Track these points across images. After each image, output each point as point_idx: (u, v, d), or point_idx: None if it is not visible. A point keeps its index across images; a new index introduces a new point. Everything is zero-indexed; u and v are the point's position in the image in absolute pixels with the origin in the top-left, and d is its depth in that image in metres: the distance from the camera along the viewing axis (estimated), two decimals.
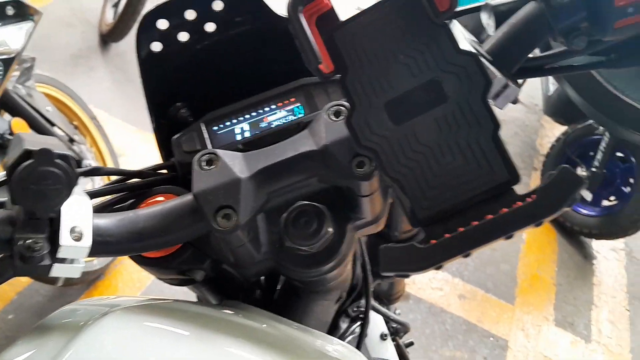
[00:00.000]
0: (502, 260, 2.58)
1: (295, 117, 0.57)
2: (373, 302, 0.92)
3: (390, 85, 0.38)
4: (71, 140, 1.91)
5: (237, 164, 0.46)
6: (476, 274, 2.47)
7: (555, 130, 3.34)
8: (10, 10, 1.46)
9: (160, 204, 0.47)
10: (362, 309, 0.71)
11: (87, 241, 0.41)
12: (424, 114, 0.38)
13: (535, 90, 3.58)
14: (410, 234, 0.80)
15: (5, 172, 0.39)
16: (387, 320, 1.00)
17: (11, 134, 1.62)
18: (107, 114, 2.72)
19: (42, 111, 1.77)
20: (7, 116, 1.70)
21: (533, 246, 2.70)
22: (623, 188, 2.58)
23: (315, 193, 0.51)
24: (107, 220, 0.45)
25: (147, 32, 0.55)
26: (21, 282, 1.99)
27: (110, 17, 3.29)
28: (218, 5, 0.56)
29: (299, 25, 0.38)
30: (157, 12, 0.54)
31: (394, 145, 0.38)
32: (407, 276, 0.36)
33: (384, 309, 0.97)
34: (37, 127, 1.72)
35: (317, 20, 0.40)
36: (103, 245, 0.44)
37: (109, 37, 3.27)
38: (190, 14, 0.55)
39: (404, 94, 0.38)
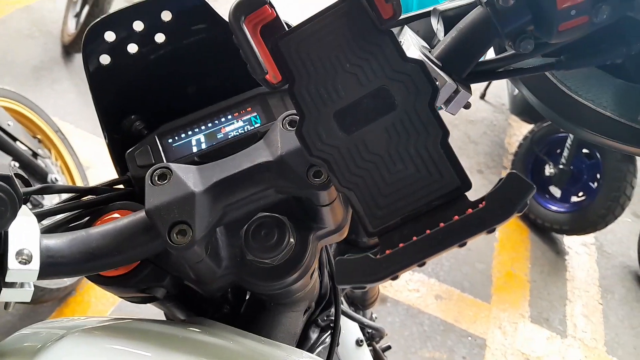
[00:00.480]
0: (477, 259, 2.60)
1: (252, 127, 0.56)
2: (346, 309, 0.92)
3: (338, 94, 0.38)
4: (35, 155, 1.87)
5: (192, 178, 0.45)
6: (452, 274, 2.49)
7: (522, 129, 3.40)
8: None
9: (112, 222, 0.46)
10: (332, 318, 0.70)
11: (36, 264, 0.40)
12: (373, 122, 0.37)
13: (501, 90, 3.64)
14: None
15: None
16: (362, 326, 1.00)
17: None
18: (73, 126, 2.66)
19: (3, 126, 1.73)
20: None
21: (507, 244, 2.73)
22: (590, 184, 2.64)
23: (274, 204, 0.50)
24: (58, 241, 0.43)
25: (94, 44, 0.53)
26: None
27: (72, 27, 3.23)
28: (167, 16, 0.54)
29: (243, 35, 0.37)
30: (103, 24, 0.53)
31: (345, 155, 0.37)
32: (364, 288, 0.35)
33: (357, 315, 0.96)
34: (0, 144, 1.68)
35: (261, 29, 0.39)
36: (54, 266, 0.42)
37: (71, 47, 3.22)
38: (138, 25, 0.54)
39: (353, 102, 0.37)
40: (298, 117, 0.46)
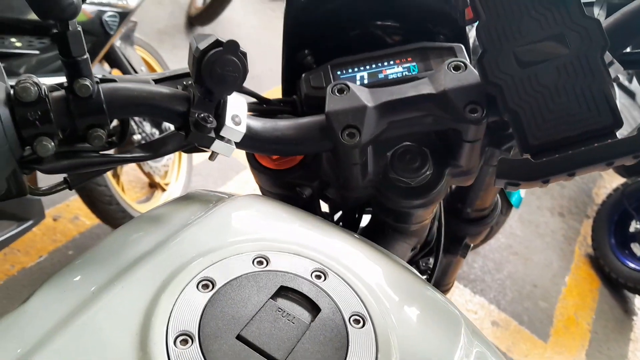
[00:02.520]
0: (542, 297, 2.57)
1: (409, 74, 0.65)
2: None
3: (520, 34, 0.46)
4: None
5: (365, 95, 0.55)
6: (513, 305, 2.47)
7: (613, 183, 3.31)
8: None
9: (295, 119, 0.56)
10: (430, 266, 0.78)
11: (243, 128, 0.50)
12: (547, 61, 0.45)
13: None
14: (482, 213, 0.87)
15: (192, 58, 0.48)
16: None
17: None
18: None
19: (137, 69, 1.92)
20: (107, 67, 1.86)
21: (574, 291, 2.67)
22: None
23: (421, 137, 0.59)
24: (255, 122, 0.54)
25: None
26: (85, 224, 2.14)
27: (200, 1, 3.49)
28: None
29: None
30: None
31: (517, 84, 0.45)
32: (518, 185, 0.43)
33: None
34: None
35: None
36: (250, 139, 0.52)
37: (196, 20, 3.47)
38: None
39: (532, 42, 0.45)
40: (464, 64, 0.54)
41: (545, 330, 2.42)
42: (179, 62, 3.19)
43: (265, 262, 0.44)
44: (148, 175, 2.18)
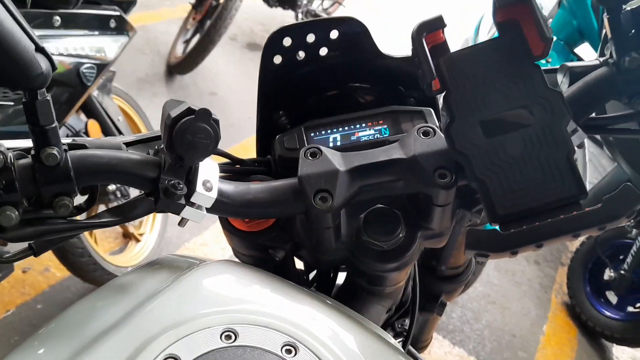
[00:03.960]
0: (521, 347, 2.55)
1: (381, 136, 0.66)
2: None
3: (486, 106, 0.47)
4: None
5: (337, 160, 0.55)
6: (492, 356, 2.44)
7: None
8: (112, 23, 1.64)
9: (267, 182, 0.56)
10: (406, 327, 0.77)
11: (214, 194, 0.50)
12: (512, 132, 0.46)
13: None
14: (456, 271, 0.87)
15: (163, 124, 0.48)
16: None
17: (86, 133, 1.76)
18: None
19: (114, 119, 1.92)
20: (83, 117, 1.85)
21: (552, 340, 2.66)
22: None
23: (393, 199, 0.59)
24: (227, 186, 0.53)
25: (273, 45, 0.65)
26: (55, 277, 2.08)
27: (180, 51, 3.54)
28: (334, 34, 0.66)
29: (421, 46, 0.48)
30: (285, 31, 0.65)
31: (483, 153, 0.46)
32: (487, 256, 0.43)
33: (412, 349, 1.01)
34: (108, 132, 1.86)
35: (431, 48, 0.50)
36: (221, 204, 0.52)
37: (175, 69, 3.51)
38: (310, 37, 0.66)
39: (498, 114, 0.47)
40: (433, 129, 0.55)
41: None
42: (157, 109, 3.20)
43: (234, 337, 0.43)
44: (122, 225, 2.14)
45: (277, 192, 0.55)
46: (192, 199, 0.49)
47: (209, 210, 0.52)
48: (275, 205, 0.55)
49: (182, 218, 0.51)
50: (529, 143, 0.45)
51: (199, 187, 0.49)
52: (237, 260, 0.67)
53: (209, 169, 0.51)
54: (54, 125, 0.44)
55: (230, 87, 3.69)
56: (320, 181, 0.53)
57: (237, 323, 0.44)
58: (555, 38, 2.71)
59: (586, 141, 3.10)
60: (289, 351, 0.43)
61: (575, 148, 0.57)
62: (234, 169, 0.65)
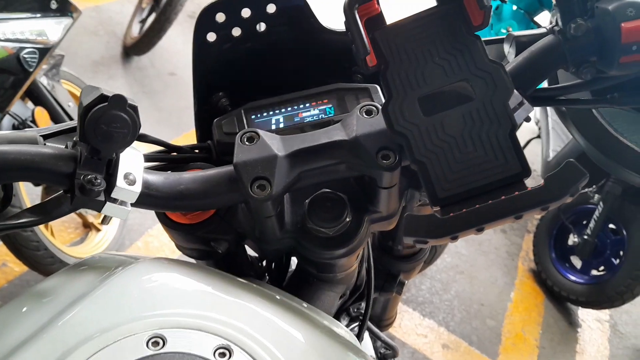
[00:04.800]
0: (489, 315, 2.60)
1: (326, 116, 0.63)
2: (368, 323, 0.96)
3: (425, 81, 0.44)
4: None
5: (275, 144, 0.51)
6: (462, 326, 2.48)
7: None
8: (54, 4, 1.54)
9: (201, 171, 0.52)
10: (362, 311, 0.75)
11: (138, 187, 0.46)
12: (452, 109, 0.43)
13: (535, 156, 3.68)
14: (413, 249, 0.85)
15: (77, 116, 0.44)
16: (376, 340, 1.03)
17: (33, 121, 1.68)
18: None
19: (64, 105, 1.84)
20: (30, 105, 1.76)
21: (520, 306, 2.72)
22: (613, 259, 2.63)
23: (338, 183, 0.56)
24: (154, 177, 0.49)
25: (205, 22, 0.61)
26: (14, 272, 2.00)
27: (136, 31, 3.41)
28: (271, 9, 0.62)
29: (354, 20, 0.44)
30: (217, 6, 0.60)
31: (423, 133, 0.43)
32: (426, 242, 0.41)
33: (375, 329, 0.99)
34: (57, 119, 1.78)
35: (366, 21, 0.46)
36: (149, 197, 0.48)
37: (132, 50, 3.39)
38: (245, 12, 0.62)
39: (436, 90, 0.44)
40: (376, 107, 0.52)
41: (494, 348, 2.45)
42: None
43: (162, 343, 0.39)
44: (80, 215, 2.08)
45: (212, 181, 0.51)
46: (113, 194, 0.45)
47: (134, 204, 0.48)
48: (210, 195, 0.51)
49: (105, 215, 0.47)
50: (469, 120, 0.42)
51: (120, 181, 0.45)
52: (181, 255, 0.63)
53: (131, 160, 0.47)
54: None
55: (190, 67, 3.56)
56: (258, 168, 0.50)
57: (165, 327, 0.41)
58: (515, 7, 2.70)
59: (549, 109, 3.12)
60: (222, 354, 0.40)
61: (528, 123, 0.55)
62: (169, 157, 0.61)
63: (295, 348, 0.44)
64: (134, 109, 0.44)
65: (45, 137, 0.51)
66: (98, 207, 0.45)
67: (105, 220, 0.49)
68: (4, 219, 0.47)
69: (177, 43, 3.73)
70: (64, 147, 0.48)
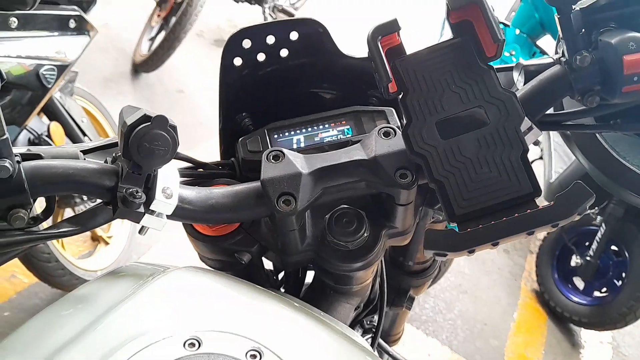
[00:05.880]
0: (492, 335, 2.60)
1: (344, 136, 0.66)
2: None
3: (442, 107, 0.48)
4: None
5: (299, 162, 0.55)
6: (465, 345, 2.49)
7: None
8: (72, 23, 1.60)
9: (231, 186, 0.56)
10: (374, 323, 0.78)
11: (175, 201, 0.50)
12: (467, 133, 0.47)
13: (537, 177, 3.72)
14: (423, 265, 0.88)
15: (120, 132, 0.48)
16: (384, 355, 1.05)
17: (48, 136, 1.72)
18: None
19: (77, 121, 1.88)
20: (45, 120, 1.81)
21: (523, 326, 2.73)
22: (615, 281, 2.65)
23: (357, 200, 0.60)
24: (188, 192, 0.53)
25: (232, 47, 0.65)
26: (22, 283, 2.02)
27: (145, 49, 3.48)
28: (294, 36, 0.66)
29: (377, 50, 0.48)
30: (244, 33, 0.64)
31: (441, 155, 0.47)
32: (445, 255, 0.44)
33: (383, 343, 1.02)
34: (71, 135, 1.82)
35: (387, 50, 0.50)
36: (183, 210, 0.52)
37: (141, 67, 3.45)
38: (270, 39, 0.66)
39: (453, 115, 0.47)
40: (394, 130, 0.56)
41: None
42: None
43: (197, 344, 0.42)
44: None
45: (240, 196, 0.55)
46: (152, 207, 0.48)
47: (169, 217, 0.51)
48: (238, 209, 0.55)
49: (143, 226, 0.50)
50: (483, 143, 0.46)
51: (158, 195, 0.49)
52: (202, 265, 0.66)
53: (168, 176, 0.50)
54: (4, 137, 0.43)
55: (198, 85, 3.64)
56: (283, 184, 0.53)
57: (200, 330, 0.44)
58: (519, 31, 2.76)
59: (552, 133, 3.17)
60: (253, 356, 0.43)
61: (532, 145, 0.58)
62: (196, 173, 0.64)
63: (319, 351, 0.47)
64: (174, 128, 0.47)
65: (85, 152, 0.55)
66: (137, 219, 0.48)
67: (142, 230, 0.52)
68: (42, 229, 0.51)
69: (186, 62, 3.80)
70: (103, 162, 0.52)
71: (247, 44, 0.65)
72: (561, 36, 0.54)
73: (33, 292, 2.02)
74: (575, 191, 0.42)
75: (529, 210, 0.42)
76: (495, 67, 0.62)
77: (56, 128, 1.77)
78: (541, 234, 3.27)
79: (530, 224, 0.41)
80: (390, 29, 0.49)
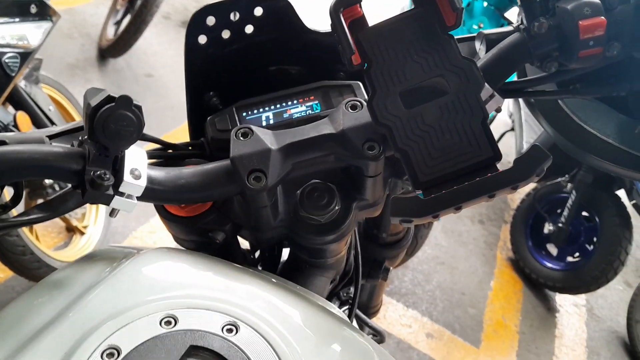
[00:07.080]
0: (470, 304, 2.67)
1: (313, 112, 0.67)
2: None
3: (405, 77, 0.49)
4: None
5: (268, 138, 0.56)
6: (444, 315, 2.55)
7: (525, 187, 3.52)
8: (33, 9, 1.55)
9: (200, 165, 0.56)
10: (351, 295, 0.79)
11: (143, 181, 0.50)
12: (429, 102, 0.48)
13: (509, 148, 3.78)
14: (397, 237, 0.90)
15: (85, 114, 0.47)
16: (364, 327, 1.07)
17: (15, 126, 1.68)
18: None
19: (44, 109, 1.84)
20: (11, 109, 1.77)
21: (500, 294, 2.80)
22: (587, 246, 2.73)
23: (327, 174, 0.60)
24: (157, 172, 0.53)
25: (196, 25, 0.64)
26: None
27: (111, 33, 3.40)
28: (258, 11, 0.66)
29: (339, 22, 0.48)
30: (207, 10, 0.64)
31: (405, 124, 0.48)
32: (411, 221, 0.45)
33: (362, 315, 1.04)
34: (39, 124, 1.79)
35: (350, 22, 0.51)
36: (152, 191, 0.52)
37: (108, 52, 3.37)
38: (234, 15, 0.65)
39: (415, 85, 0.48)
40: (360, 102, 0.57)
41: (477, 336, 2.52)
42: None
43: (173, 322, 0.43)
44: (64, 219, 2.08)
45: (210, 175, 0.55)
46: (121, 189, 0.48)
47: (139, 198, 0.51)
48: (209, 188, 0.55)
49: (113, 208, 0.50)
50: (445, 111, 0.47)
51: (127, 176, 0.48)
52: (177, 246, 0.67)
53: (136, 157, 0.50)
54: None
55: (167, 68, 3.58)
56: (253, 161, 0.53)
57: (176, 308, 0.44)
58: (486, 4, 2.78)
59: (521, 102, 3.22)
60: (230, 330, 0.43)
61: (505, 117, 0.60)
62: (166, 154, 0.64)
63: (295, 323, 0.48)
64: (139, 108, 0.47)
65: (51, 137, 0.55)
66: (107, 201, 0.48)
67: (113, 213, 0.52)
68: (12, 217, 0.51)
69: (153, 44, 3.73)
70: (70, 146, 0.51)
71: (211, 21, 0.65)
72: (519, 3, 0.55)
73: (10, 287, 2.00)
74: (532, 153, 0.43)
75: (489, 174, 0.43)
76: (457, 37, 0.63)
77: (23, 117, 1.73)
78: (515, 202, 3.35)
79: (490, 187, 0.43)
80: (351, 0, 0.49)
